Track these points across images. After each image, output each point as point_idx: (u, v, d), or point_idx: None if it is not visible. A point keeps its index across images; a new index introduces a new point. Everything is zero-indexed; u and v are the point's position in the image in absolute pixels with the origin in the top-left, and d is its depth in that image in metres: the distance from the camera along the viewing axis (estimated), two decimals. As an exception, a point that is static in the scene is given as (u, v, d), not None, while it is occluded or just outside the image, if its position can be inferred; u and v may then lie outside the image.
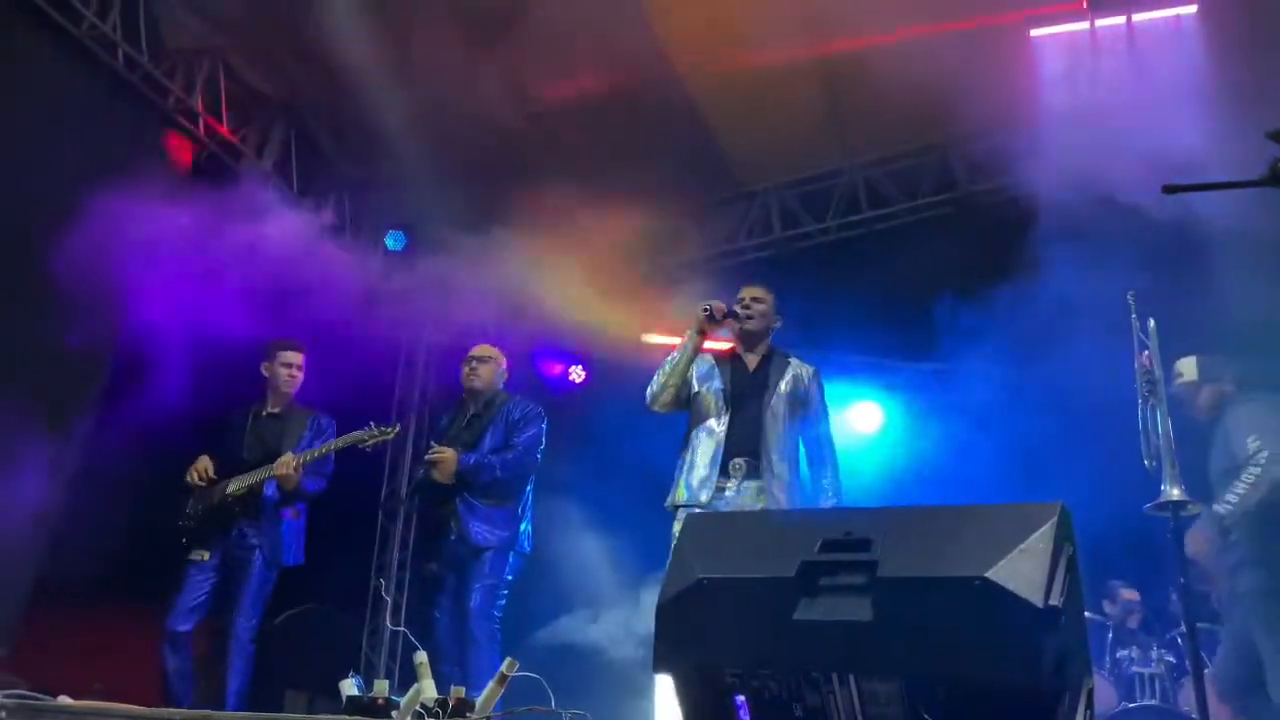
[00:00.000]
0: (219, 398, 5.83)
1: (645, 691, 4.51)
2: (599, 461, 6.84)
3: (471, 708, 2.98)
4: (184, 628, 5.02)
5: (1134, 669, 6.02)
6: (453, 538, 5.08)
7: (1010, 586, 2.14)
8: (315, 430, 5.41)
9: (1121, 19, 6.39)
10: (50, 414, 5.77)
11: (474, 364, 5.44)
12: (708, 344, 4.83)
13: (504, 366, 5.54)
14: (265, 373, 5.51)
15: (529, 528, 5.26)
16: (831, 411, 4.93)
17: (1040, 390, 6.04)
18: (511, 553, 5.11)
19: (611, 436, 6.57)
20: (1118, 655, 6.20)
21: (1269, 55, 5.40)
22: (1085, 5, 6.46)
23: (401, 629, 7.47)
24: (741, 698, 2.38)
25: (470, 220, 6.95)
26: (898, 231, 7.94)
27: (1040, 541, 2.21)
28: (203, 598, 5.09)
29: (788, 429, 4.65)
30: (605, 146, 6.90)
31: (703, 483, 4.53)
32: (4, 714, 2.90)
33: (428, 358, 9.24)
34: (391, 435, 5.23)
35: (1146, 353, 4.25)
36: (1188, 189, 2.26)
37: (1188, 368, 5.03)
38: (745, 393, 4.70)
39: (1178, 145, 5.03)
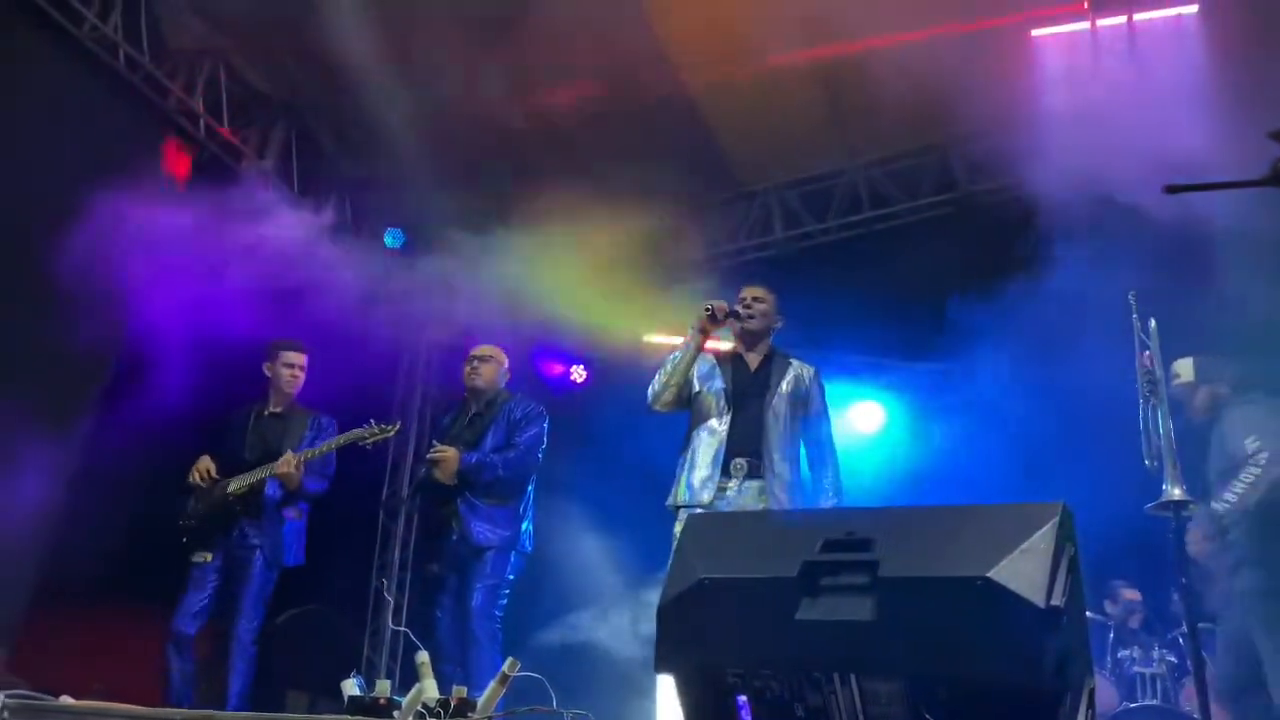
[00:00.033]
0: (220, 398, 5.84)
1: (647, 691, 4.51)
2: (600, 461, 6.84)
3: (473, 708, 2.98)
4: (189, 630, 5.03)
5: (1135, 669, 6.02)
6: (454, 537, 5.08)
7: (1012, 586, 2.14)
8: (316, 430, 5.42)
9: (1122, 19, 6.38)
10: (51, 414, 5.77)
11: (476, 363, 5.45)
12: (709, 344, 4.83)
13: (506, 366, 5.54)
14: (267, 373, 5.52)
15: (530, 527, 5.26)
16: (833, 411, 4.94)
17: (1041, 390, 6.04)
18: (513, 552, 5.11)
19: (613, 436, 6.57)
20: (1119, 655, 6.20)
21: (1270, 55, 5.39)
22: (1086, 5, 6.45)
23: (403, 629, 7.48)
24: (743, 698, 2.39)
25: (471, 220, 6.95)
26: (898, 231, 7.93)
27: (1042, 541, 2.22)
28: (207, 600, 5.10)
29: (789, 429, 4.65)
30: (606, 146, 6.90)
31: (704, 483, 4.53)
32: (6, 714, 2.90)
33: (429, 358, 9.23)
34: (392, 433, 5.24)
35: (1147, 353, 4.26)
36: (1189, 189, 2.25)
37: (1184, 369, 5.03)
38: (747, 392, 4.70)
39: (1179, 145, 5.03)
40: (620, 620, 6.64)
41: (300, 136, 8.02)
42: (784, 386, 4.71)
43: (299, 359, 5.50)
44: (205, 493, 5.27)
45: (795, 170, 8.29)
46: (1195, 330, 4.93)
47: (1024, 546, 2.20)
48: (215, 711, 4.09)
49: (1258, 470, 4.63)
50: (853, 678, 2.27)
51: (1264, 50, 5.50)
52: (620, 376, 6.65)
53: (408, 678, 3.61)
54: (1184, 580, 3.83)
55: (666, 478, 4.74)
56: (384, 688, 3.19)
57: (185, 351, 6.21)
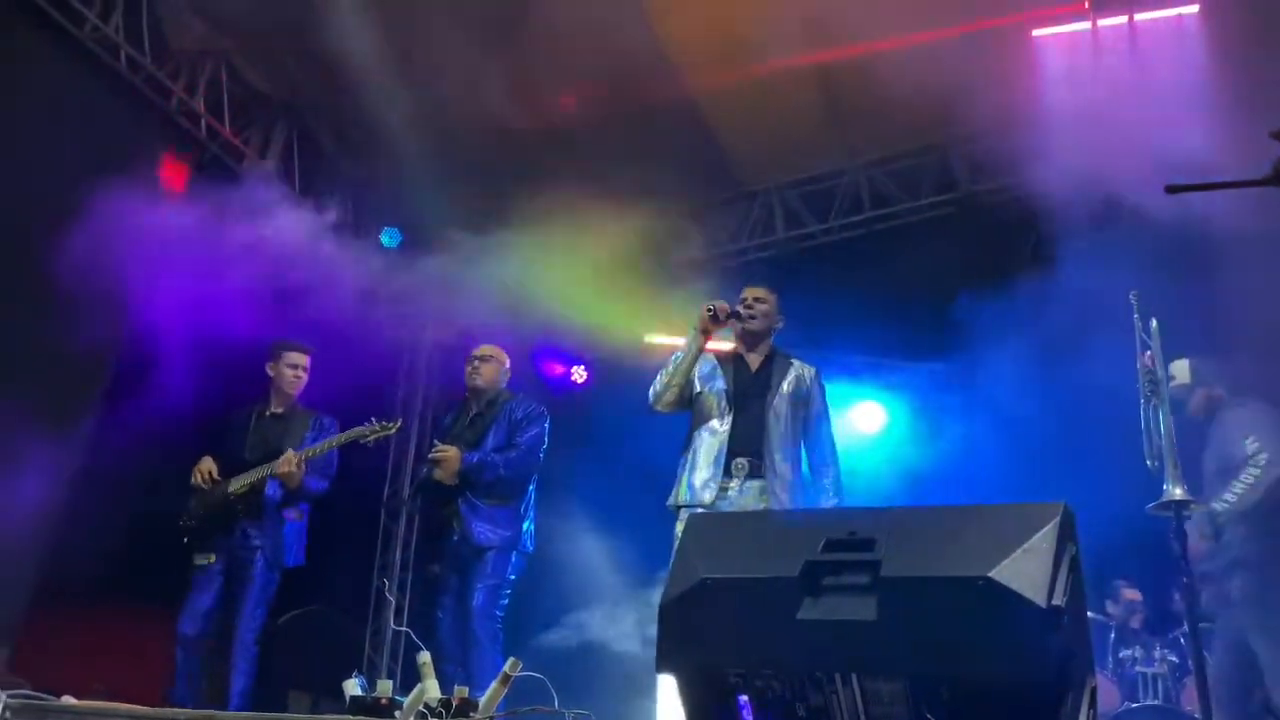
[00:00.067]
0: (222, 398, 5.84)
1: (648, 691, 4.52)
2: (601, 461, 6.84)
3: (475, 707, 2.98)
4: (195, 632, 5.03)
5: (1137, 669, 6.03)
6: (455, 538, 5.08)
7: (1013, 586, 2.14)
8: (318, 431, 5.41)
9: (1123, 19, 6.38)
10: (52, 414, 5.77)
11: (476, 363, 5.45)
12: (710, 344, 4.83)
13: (507, 366, 5.54)
14: (270, 373, 5.51)
15: (532, 527, 5.26)
16: (834, 412, 4.95)
17: (1043, 390, 6.04)
18: (514, 552, 5.11)
19: (614, 436, 6.57)
20: (1120, 655, 6.20)
21: (1271, 54, 5.39)
22: (1087, 5, 6.46)
23: (404, 629, 7.48)
24: (744, 698, 2.38)
25: (472, 220, 6.95)
26: (899, 232, 7.93)
27: (1043, 541, 2.22)
28: (212, 603, 5.09)
29: (790, 429, 4.65)
30: (607, 146, 6.90)
31: (705, 483, 4.53)
32: (8, 714, 2.90)
33: (430, 358, 9.23)
34: (393, 430, 5.23)
35: (1149, 353, 4.25)
36: (1190, 189, 2.25)
37: (1180, 370, 5.03)
38: (748, 393, 4.71)
39: (1180, 145, 5.03)
40: (622, 620, 6.64)
41: (301, 137, 8.02)
42: (785, 387, 4.71)
43: (302, 359, 5.50)
44: (206, 493, 5.26)
45: (796, 170, 8.30)
46: (1196, 330, 4.94)
47: (1025, 546, 2.20)
48: (217, 711, 4.09)
49: (1257, 471, 4.63)
50: (854, 677, 2.27)
51: (1265, 50, 5.49)
52: (621, 377, 6.65)
53: (409, 678, 3.61)
54: (1185, 580, 3.83)
55: (667, 478, 4.74)
56: (385, 688, 3.19)
57: (186, 351, 6.21)
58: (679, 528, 4.40)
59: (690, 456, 4.67)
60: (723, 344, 5.01)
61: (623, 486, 6.38)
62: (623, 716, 5.07)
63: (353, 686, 3.25)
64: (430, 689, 3.08)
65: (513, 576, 5.12)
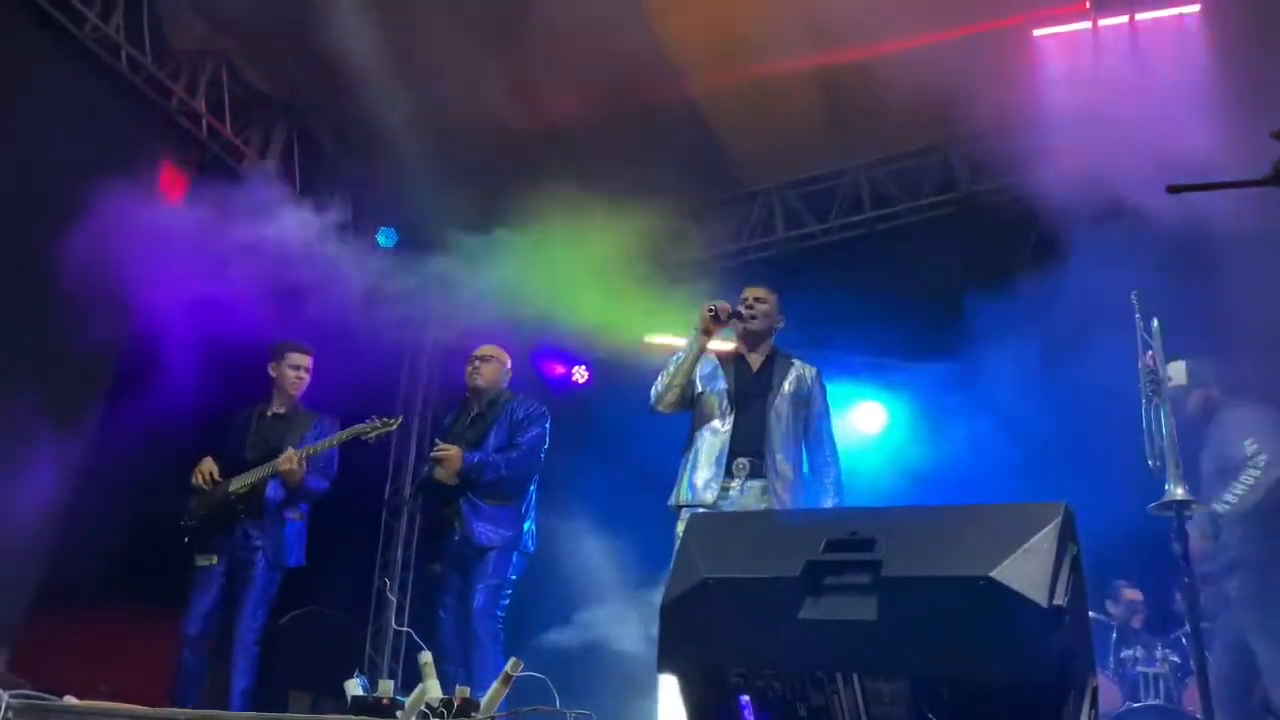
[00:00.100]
0: (224, 398, 5.84)
1: (649, 691, 4.52)
2: (602, 461, 6.84)
3: (476, 707, 2.99)
4: (199, 633, 5.03)
5: (1138, 669, 6.03)
6: (456, 538, 5.08)
7: (1014, 586, 2.14)
8: (319, 431, 5.41)
9: (1124, 18, 6.38)
10: (55, 414, 5.77)
11: (477, 363, 5.45)
12: (711, 345, 4.83)
13: (508, 366, 5.55)
14: (272, 373, 5.51)
15: (533, 527, 5.26)
16: (835, 412, 4.95)
17: (1044, 390, 6.04)
18: (515, 552, 5.11)
19: (615, 436, 6.57)
20: (1122, 655, 6.20)
21: (1272, 54, 5.39)
22: (1087, 5, 6.45)
23: (405, 629, 7.48)
24: (746, 697, 2.39)
25: (472, 220, 6.95)
26: (900, 232, 7.94)
27: (1044, 541, 2.22)
28: (214, 604, 5.09)
29: (791, 429, 4.66)
30: (608, 147, 6.90)
31: (707, 483, 4.54)
32: (10, 714, 2.91)
33: (431, 358, 9.23)
34: (394, 427, 5.24)
35: (1150, 352, 4.25)
36: (1191, 189, 2.25)
37: (1176, 371, 5.02)
38: (749, 393, 4.71)
39: (1180, 145, 5.03)
40: (623, 620, 6.65)
41: (302, 137, 8.03)
42: (786, 387, 4.72)
43: (304, 360, 5.50)
44: (207, 494, 5.26)
45: (797, 170, 8.30)
46: (1197, 330, 4.94)
47: (1027, 546, 2.20)
48: (219, 711, 4.09)
49: (1257, 473, 4.64)
50: (855, 677, 2.27)
51: (1265, 50, 5.50)
52: (622, 377, 6.66)
53: (410, 678, 3.61)
54: (1187, 580, 3.83)
55: (668, 478, 4.74)
56: (387, 688, 3.19)
57: (188, 352, 6.22)
58: (680, 527, 4.40)
59: (691, 456, 4.67)
60: (724, 344, 5.01)
61: (624, 486, 6.38)
62: (624, 716, 5.07)
63: (354, 686, 3.26)
64: (431, 689, 3.08)
65: (514, 577, 5.12)
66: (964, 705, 2.18)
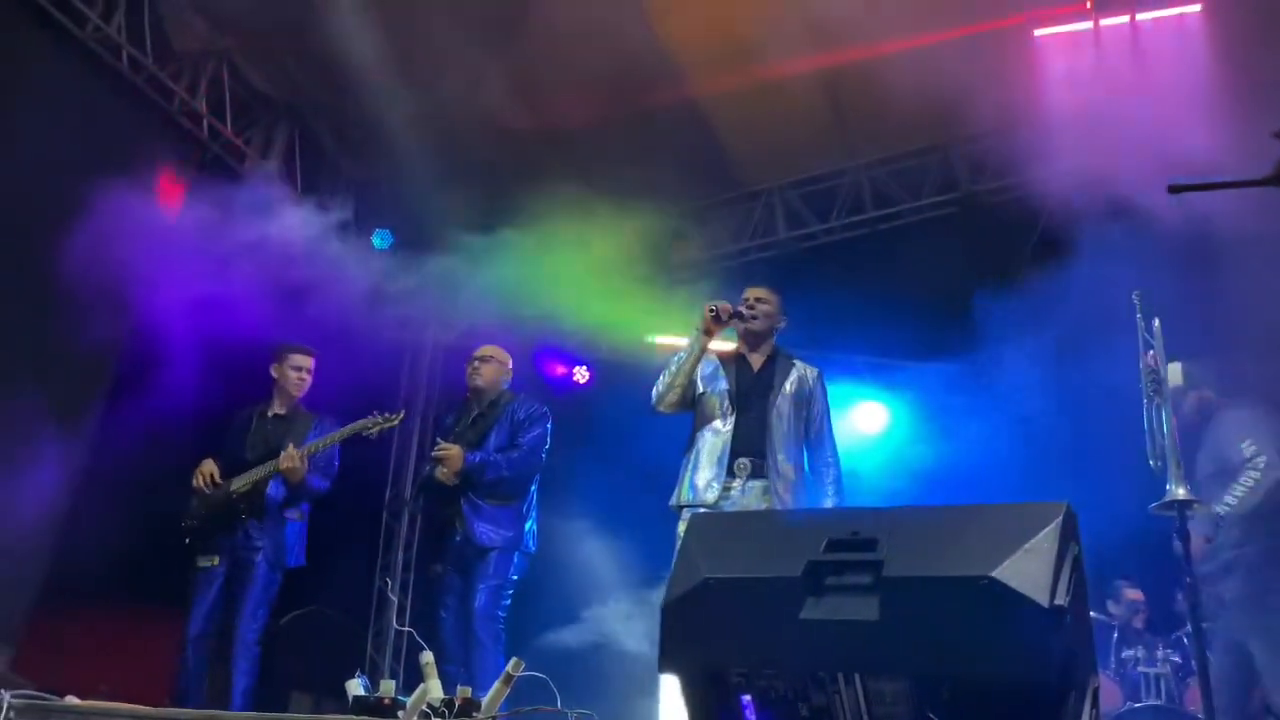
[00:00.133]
0: (225, 398, 5.85)
1: (651, 691, 4.51)
2: (603, 461, 6.84)
3: (478, 707, 2.99)
4: (200, 633, 5.03)
5: (1139, 669, 6.02)
6: (458, 538, 5.08)
7: (1016, 586, 2.14)
8: (319, 432, 5.40)
9: (1125, 18, 6.38)
10: (56, 415, 5.78)
11: (476, 364, 5.45)
12: (712, 345, 4.83)
13: (508, 366, 5.54)
14: (274, 374, 5.51)
15: (534, 527, 5.26)
16: (836, 412, 4.95)
17: (1045, 390, 6.04)
18: (517, 553, 5.11)
19: (616, 437, 6.57)
20: (1123, 655, 6.20)
21: (1273, 54, 5.39)
22: (1089, 5, 6.45)
23: (407, 629, 7.49)
24: (747, 697, 2.39)
25: (474, 221, 6.95)
26: (901, 232, 7.94)
27: (1045, 541, 2.22)
28: (215, 603, 5.09)
29: (792, 429, 4.66)
30: (609, 147, 6.90)
31: (708, 483, 4.54)
32: (12, 714, 2.91)
33: (432, 358, 9.24)
34: (396, 422, 5.23)
35: (1151, 352, 4.24)
36: (1193, 188, 2.25)
37: (1173, 373, 5.00)
38: (750, 393, 4.71)
39: (1182, 144, 5.03)
40: (624, 620, 6.64)
41: (303, 137, 8.03)
42: (787, 387, 4.71)
43: (307, 362, 5.50)
44: (208, 495, 5.26)
45: (798, 170, 8.30)
46: (1199, 330, 4.93)
47: (1028, 546, 2.20)
48: (220, 712, 4.09)
49: (1256, 474, 4.63)
50: (857, 677, 2.27)
51: (1266, 49, 5.50)
52: (623, 377, 6.66)
53: (412, 678, 3.61)
54: (1188, 580, 3.82)
55: (670, 478, 4.74)
56: (388, 688, 3.19)
57: (188, 352, 6.22)
58: (681, 528, 4.40)
59: (693, 456, 4.67)
60: (725, 344, 5.01)
61: (625, 487, 6.38)
62: (625, 716, 5.07)
63: (355, 686, 3.26)
64: (433, 689, 3.08)
65: (515, 577, 5.12)
66: (965, 705, 2.18)
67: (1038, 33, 6.48)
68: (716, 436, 4.63)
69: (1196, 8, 6.17)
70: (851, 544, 2.40)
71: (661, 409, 4.82)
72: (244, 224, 6.47)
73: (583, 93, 7.15)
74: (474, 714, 2.96)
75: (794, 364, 4.81)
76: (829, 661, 2.30)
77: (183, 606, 5.10)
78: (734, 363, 4.84)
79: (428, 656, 3.23)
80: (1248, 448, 4.71)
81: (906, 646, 2.23)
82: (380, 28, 6.53)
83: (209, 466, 5.31)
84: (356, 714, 3.12)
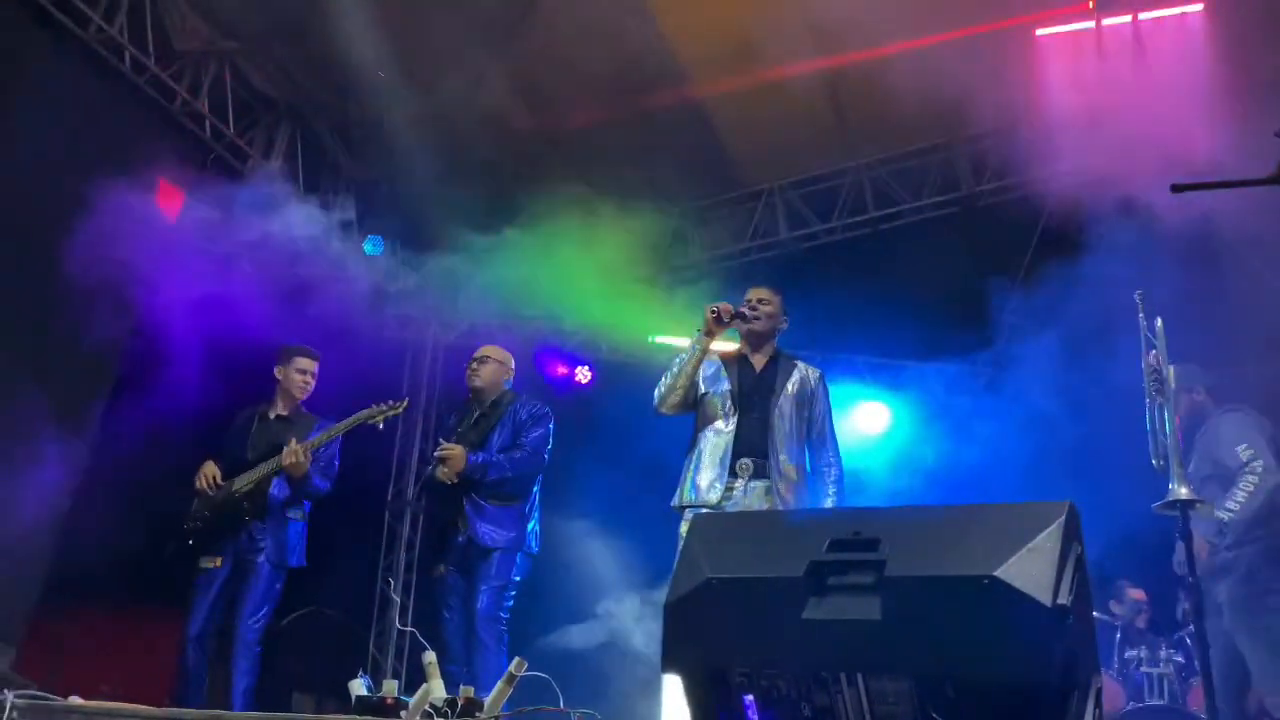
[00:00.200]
0: (226, 398, 5.85)
1: (654, 691, 4.52)
2: (606, 462, 6.84)
3: (480, 707, 2.99)
4: (201, 632, 5.03)
5: (1142, 669, 6.01)
6: (461, 538, 5.07)
7: (1018, 585, 2.14)
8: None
9: (1127, 18, 6.38)
10: (59, 415, 5.78)
11: (475, 364, 5.44)
12: (714, 346, 4.83)
13: (509, 367, 5.53)
14: (278, 376, 5.49)
15: (536, 528, 5.25)
16: (838, 412, 4.95)
17: (1047, 389, 6.04)
18: (519, 553, 5.10)
19: (618, 437, 6.57)
20: (1126, 655, 6.19)
21: (1275, 53, 5.40)
22: (1091, 5, 6.45)
23: (409, 629, 7.49)
24: (750, 697, 2.38)
25: (476, 221, 6.96)
26: (903, 232, 7.95)
27: (1048, 540, 2.21)
28: (217, 603, 5.09)
29: (794, 430, 4.65)
30: (612, 147, 6.91)
31: (710, 483, 4.53)
32: (15, 714, 2.91)
33: (434, 359, 9.24)
34: (400, 409, 5.21)
35: (1154, 352, 4.24)
36: (1195, 188, 2.25)
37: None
38: (752, 393, 4.70)
39: (1184, 144, 5.03)
40: (626, 620, 6.65)
41: (305, 138, 8.03)
42: (790, 388, 4.71)
43: (311, 365, 5.49)
44: (211, 496, 5.25)
45: (799, 170, 8.31)
46: (1201, 330, 4.93)
47: (1030, 545, 2.20)
48: (223, 712, 4.10)
49: (1255, 478, 4.63)
50: (859, 677, 2.27)
51: (1268, 49, 5.50)
52: (625, 377, 6.67)
53: (414, 678, 3.62)
54: (1191, 580, 3.82)
55: (672, 478, 4.74)
56: (391, 688, 3.19)
57: (190, 352, 6.22)
58: (683, 528, 4.40)
59: (695, 457, 4.67)
60: (727, 345, 5.01)
61: (627, 487, 6.39)
62: (629, 716, 5.08)
63: (358, 686, 3.26)
64: (435, 689, 3.09)
65: (518, 578, 5.11)
66: (968, 705, 2.18)
67: (1039, 33, 6.48)
68: (719, 437, 4.63)
69: (1198, 7, 6.17)
70: (854, 544, 2.39)
71: (664, 410, 4.82)
72: (246, 224, 6.48)
73: (584, 93, 7.16)
74: (477, 714, 2.96)
75: (796, 365, 4.81)
76: (831, 661, 2.30)
77: (183, 606, 5.10)
78: (736, 363, 4.83)
79: (430, 656, 3.23)
80: (1244, 452, 4.70)
81: (909, 646, 2.23)
82: (381, 28, 6.54)
83: (210, 469, 5.30)
84: (359, 714, 3.12)
